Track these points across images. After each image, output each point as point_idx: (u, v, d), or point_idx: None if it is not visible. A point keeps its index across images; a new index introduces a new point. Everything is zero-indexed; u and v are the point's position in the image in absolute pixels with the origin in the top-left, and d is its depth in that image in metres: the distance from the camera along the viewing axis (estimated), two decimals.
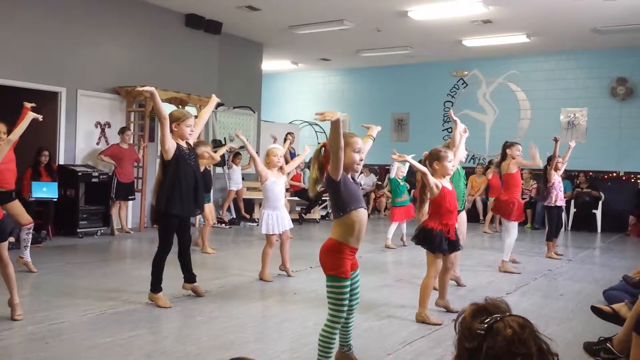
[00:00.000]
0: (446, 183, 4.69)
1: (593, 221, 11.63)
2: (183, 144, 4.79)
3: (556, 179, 7.96)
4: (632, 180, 11.72)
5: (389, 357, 3.68)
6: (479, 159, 13.45)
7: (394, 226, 8.49)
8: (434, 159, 4.68)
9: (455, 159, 4.91)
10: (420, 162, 5.02)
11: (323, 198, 12.13)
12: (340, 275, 3.12)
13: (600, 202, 11.69)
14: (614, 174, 11.94)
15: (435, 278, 4.65)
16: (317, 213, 12.00)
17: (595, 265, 7.84)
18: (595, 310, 4.18)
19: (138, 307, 4.67)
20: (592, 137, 12.29)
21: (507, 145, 6.88)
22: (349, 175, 3.20)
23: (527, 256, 7.97)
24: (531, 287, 6.02)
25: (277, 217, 5.84)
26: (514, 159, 6.76)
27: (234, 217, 10.93)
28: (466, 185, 7.30)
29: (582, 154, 12.25)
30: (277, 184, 5.85)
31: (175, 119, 4.75)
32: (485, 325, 1.44)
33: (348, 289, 3.17)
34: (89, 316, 4.36)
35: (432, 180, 4.55)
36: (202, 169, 6.37)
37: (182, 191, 4.71)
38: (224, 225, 10.42)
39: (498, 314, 1.48)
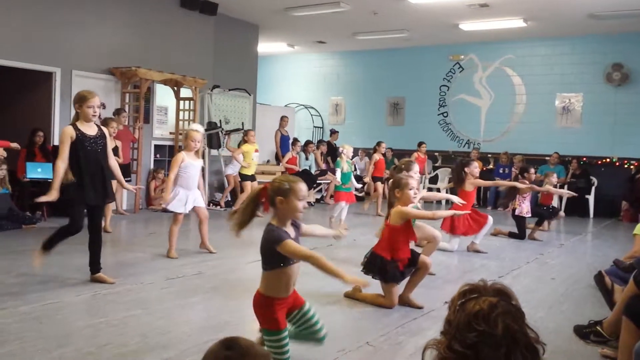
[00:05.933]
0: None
1: (586, 207, 11.70)
2: (88, 128, 4.61)
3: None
4: (626, 165, 11.77)
5: (382, 338, 3.72)
6: (474, 144, 13.47)
7: (339, 207, 8.61)
8: (394, 187, 4.44)
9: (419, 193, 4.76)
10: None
11: (318, 181, 12.16)
12: (273, 328, 2.93)
13: (593, 188, 11.75)
14: (608, 160, 11.99)
15: (390, 305, 4.37)
16: (311, 196, 12.01)
17: (587, 250, 7.91)
18: (598, 278, 4.39)
19: (133, 287, 4.69)
20: (587, 122, 12.32)
21: (464, 164, 6.95)
22: (287, 225, 2.97)
23: (518, 241, 8.03)
24: (523, 271, 6.08)
25: (187, 196, 5.93)
26: (473, 176, 6.88)
27: (229, 199, 10.92)
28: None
29: (577, 140, 12.32)
30: (193, 166, 5.96)
31: (77, 100, 4.63)
32: (462, 301, 1.51)
33: (287, 339, 2.94)
34: (83, 296, 4.38)
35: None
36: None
37: (87, 180, 4.60)
38: (218, 207, 10.42)
39: (485, 295, 1.51)
